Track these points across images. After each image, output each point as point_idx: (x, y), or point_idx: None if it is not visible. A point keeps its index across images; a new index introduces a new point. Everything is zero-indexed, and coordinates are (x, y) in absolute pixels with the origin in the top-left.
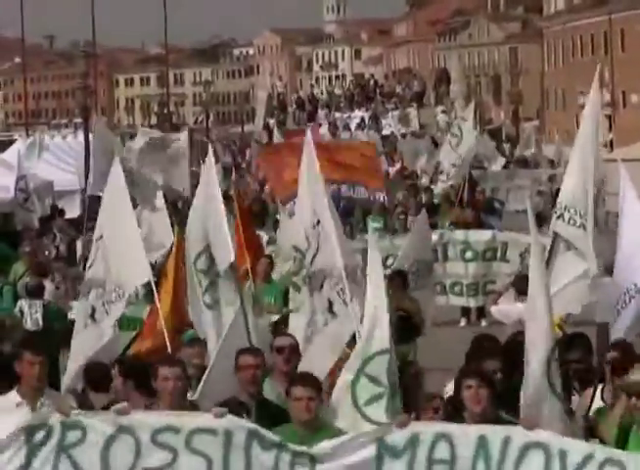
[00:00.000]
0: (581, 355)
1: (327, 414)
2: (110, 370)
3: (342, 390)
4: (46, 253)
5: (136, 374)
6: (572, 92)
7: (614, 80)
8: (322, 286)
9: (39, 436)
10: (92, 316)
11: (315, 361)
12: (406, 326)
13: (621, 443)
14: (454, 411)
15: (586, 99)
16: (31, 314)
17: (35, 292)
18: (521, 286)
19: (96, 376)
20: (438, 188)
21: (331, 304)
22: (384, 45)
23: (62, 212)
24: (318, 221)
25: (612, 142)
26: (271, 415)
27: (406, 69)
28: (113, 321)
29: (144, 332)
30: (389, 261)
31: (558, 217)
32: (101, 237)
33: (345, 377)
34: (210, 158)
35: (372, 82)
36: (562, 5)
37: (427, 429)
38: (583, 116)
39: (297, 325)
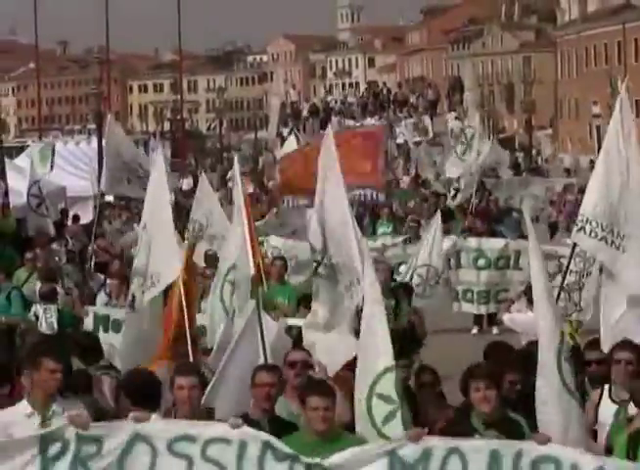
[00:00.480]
0: (600, 356)
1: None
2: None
3: (360, 413)
4: (56, 258)
5: (134, 392)
6: (586, 101)
7: (627, 90)
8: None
9: (54, 449)
10: (131, 305)
11: (338, 352)
12: (409, 339)
13: (632, 450)
14: (460, 414)
15: (598, 108)
16: (46, 319)
17: (49, 296)
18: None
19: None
20: (457, 198)
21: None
22: (397, 53)
23: (76, 218)
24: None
25: None
26: (284, 433)
27: (420, 77)
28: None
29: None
30: (402, 268)
31: (579, 230)
32: (145, 226)
33: (358, 399)
34: (237, 177)
35: (385, 90)
36: (576, 14)
37: (439, 443)
38: (608, 129)
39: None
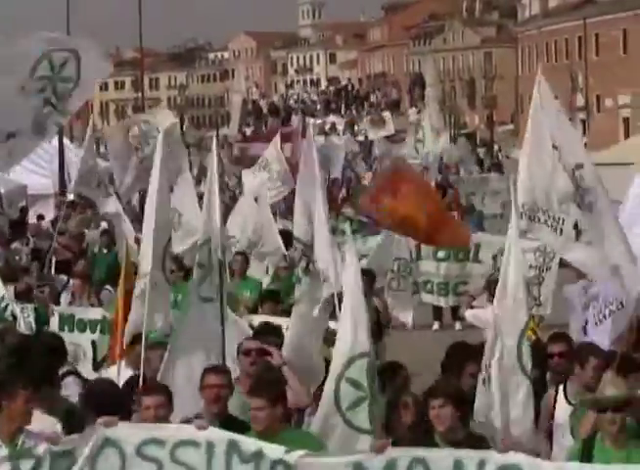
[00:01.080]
0: (562, 349)
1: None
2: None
3: (327, 395)
4: (17, 257)
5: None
6: None
7: (588, 85)
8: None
9: (26, 466)
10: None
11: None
12: (374, 326)
13: (587, 452)
14: (424, 430)
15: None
16: (24, 318)
17: (25, 295)
18: (494, 289)
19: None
20: None
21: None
22: (359, 49)
23: (41, 217)
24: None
25: (585, 145)
26: (237, 433)
27: (381, 73)
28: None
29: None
30: (363, 262)
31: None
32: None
33: (328, 381)
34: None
35: (350, 87)
36: (537, 10)
37: (404, 454)
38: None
39: (300, 315)
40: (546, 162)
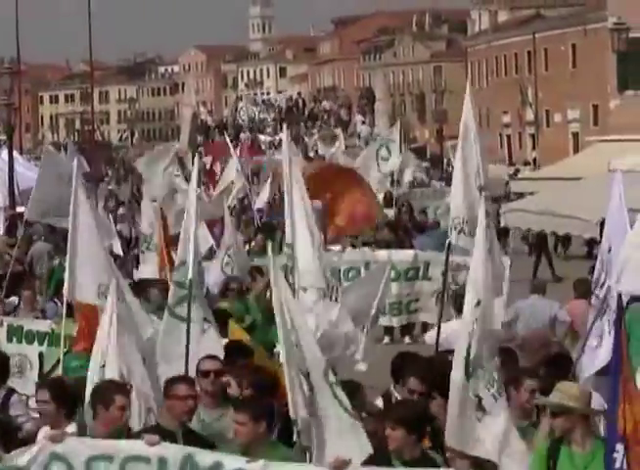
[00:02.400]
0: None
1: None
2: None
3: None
4: None
5: (68, 401)
6: (497, 111)
7: (537, 99)
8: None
9: None
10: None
11: None
12: None
13: (553, 457)
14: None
15: (509, 117)
16: None
17: None
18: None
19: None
20: None
21: None
22: (309, 63)
23: None
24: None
25: (535, 160)
26: (200, 446)
27: (331, 87)
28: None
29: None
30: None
31: (459, 232)
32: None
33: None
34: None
35: (300, 103)
36: (486, 24)
37: None
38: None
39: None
40: (470, 183)
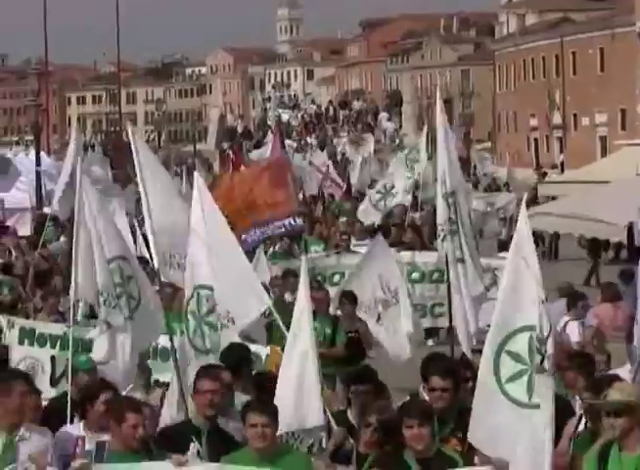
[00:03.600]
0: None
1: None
2: None
3: (485, 366)
4: None
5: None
6: (524, 114)
7: (565, 103)
8: None
9: None
10: None
11: None
12: (358, 347)
13: (603, 460)
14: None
15: (536, 121)
16: (10, 330)
17: (13, 307)
18: None
19: None
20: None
21: None
22: (336, 65)
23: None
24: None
25: (562, 164)
26: (223, 445)
27: (358, 89)
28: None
29: None
30: (336, 278)
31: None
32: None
33: (487, 357)
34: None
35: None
36: (514, 28)
37: None
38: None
39: None
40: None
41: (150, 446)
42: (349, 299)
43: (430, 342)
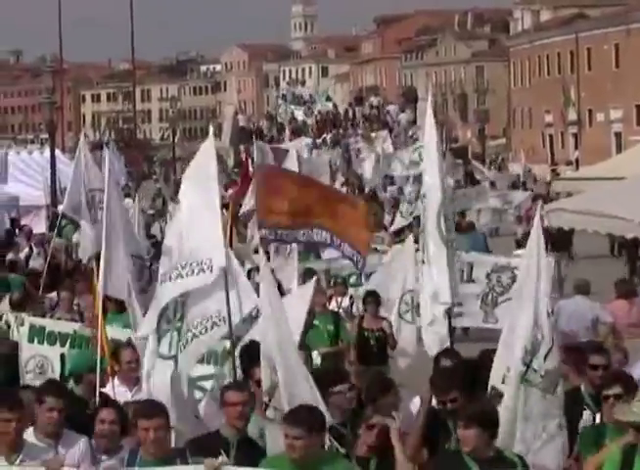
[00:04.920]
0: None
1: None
2: None
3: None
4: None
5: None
6: (539, 110)
7: (580, 99)
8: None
9: None
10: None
11: None
12: (383, 347)
13: (628, 463)
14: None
15: (551, 117)
16: (17, 327)
17: (20, 304)
18: None
19: None
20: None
21: None
22: (351, 62)
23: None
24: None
25: (577, 160)
26: (252, 455)
27: (373, 86)
28: None
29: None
30: (353, 279)
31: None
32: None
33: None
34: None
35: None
36: (528, 24)
37: None
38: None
39: None
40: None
41: (186, 454)
42: (374, 298)
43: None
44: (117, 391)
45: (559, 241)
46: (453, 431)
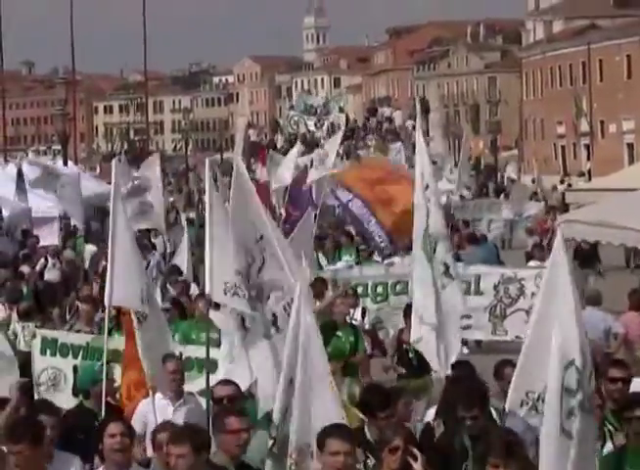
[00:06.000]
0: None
1: None
2: None
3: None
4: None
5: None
6: (551, 121)
7: (592, 110)
8: (268, 298)
9: None
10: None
11: (251, 372)
12: (423, 359)
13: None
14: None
15: (563, 128)
16: (24, 337)
17: (28, 315)
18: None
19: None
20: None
21: (275, 318)
22: (363, 73)
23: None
24: (261, 236)
25: (589, 172)
26: None
27: (385, 97)
28: None
29: (128, 364)
30: (360, 290)
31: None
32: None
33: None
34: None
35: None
36: (541, 35)
37: None
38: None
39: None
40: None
41: None
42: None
43: (465, 349)
44: (159, 404)
45: (584, 256)
46: (470, 449)
